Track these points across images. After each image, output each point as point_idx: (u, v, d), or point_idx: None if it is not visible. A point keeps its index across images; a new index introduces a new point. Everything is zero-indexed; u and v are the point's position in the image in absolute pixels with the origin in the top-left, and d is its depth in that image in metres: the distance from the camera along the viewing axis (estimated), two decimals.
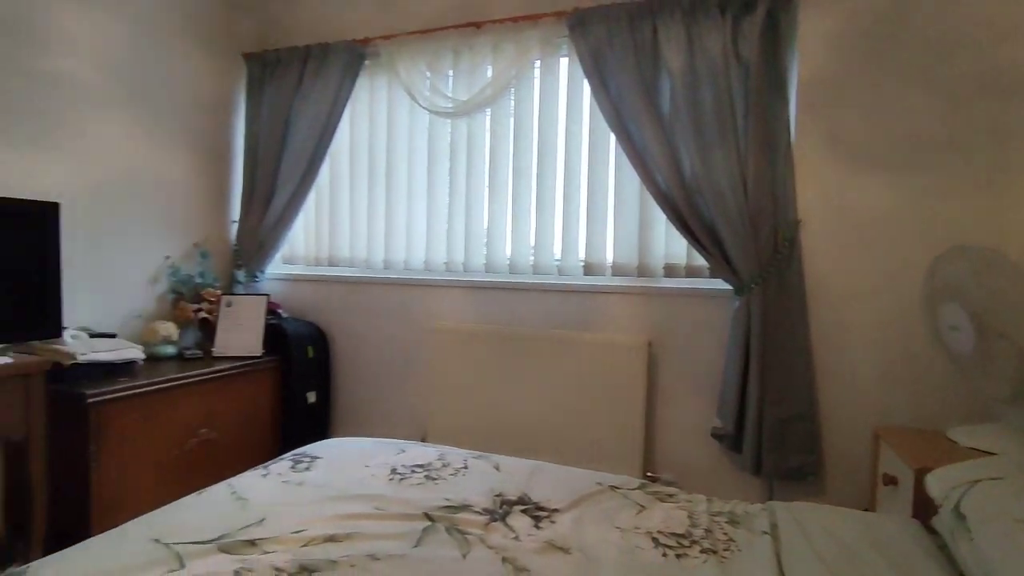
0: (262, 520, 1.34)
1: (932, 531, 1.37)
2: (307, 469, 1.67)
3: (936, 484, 1.40)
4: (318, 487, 1.54)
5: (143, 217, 2.69)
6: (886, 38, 2.11)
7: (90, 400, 2.02)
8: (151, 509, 1.43)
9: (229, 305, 2.82)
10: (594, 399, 2.44)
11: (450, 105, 2.69)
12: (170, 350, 2.61)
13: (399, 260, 2.91)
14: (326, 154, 2.92)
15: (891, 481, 1.83)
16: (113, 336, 2.37)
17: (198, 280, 2.85)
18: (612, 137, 2.41)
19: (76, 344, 2.15)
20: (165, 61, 2.75)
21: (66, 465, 2.03)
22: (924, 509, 1.50)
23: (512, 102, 2.65)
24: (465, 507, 1.45)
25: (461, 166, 2.76)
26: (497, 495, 1.54)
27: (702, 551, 1.29)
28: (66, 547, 1.23)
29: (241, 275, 3.04)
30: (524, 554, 1.25)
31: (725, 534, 1.37)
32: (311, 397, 2.89)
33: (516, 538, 1.33)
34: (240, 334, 2.76)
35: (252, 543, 1.24)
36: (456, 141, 2.78)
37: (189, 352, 2.66)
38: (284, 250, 3.14)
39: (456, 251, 2.79)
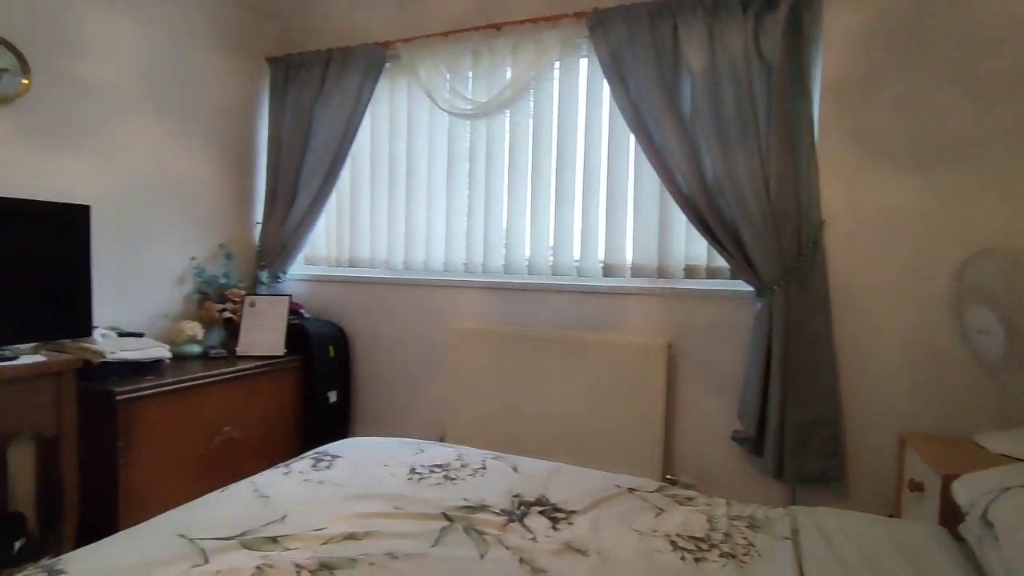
0: (284, 517, 1.36)
1: (959, 539, 1.34)
2: (328, 468, 1.69)
3: (963, 491, 1.37)
4: (338, 486, 1.56)
5: (170, 219, 2.75)
6: (913, 35, 2.06)
7: (119, 397, 2.08)
8: (177, 504, 1.46)
9: (253, 305, 2.87)
10: (613, 401, 2.43)
11: (469, 107, 2.70)
12: (195, 349, 2.66)
13: (419, 261, 2.93)
14: (347, 156, 2.95)
15: (917, 487, 1.80)
16: (141, 335, 2.43)
17: (223, 281, 2.91)
18: (632, 138, 2.40)
19: (106, 343, 2.20)
20: (192, 66, 2.82)
21: (95, 461, 2.09)
22: (951, 516, 1.46)
23: (531, 103, 2.66)
24: (483, 507, 1.46)
25: (480, 167, 2.77)
26: (515, 496, 1.54)
27: (721, 555, 1.28)
28: (96, 540, 1.27)
29: (264, 276, 3.09)
30: (541, 555, 1.25)
31: (745, 539, 1.35)
32: (332, 396, 2.93)
33: (533, 539, 1.33)
34: (263, 334, 2.81)
35: (274, 540, 1.26)
36: (475, 143, 2.79)
37: (214, 351, 2.72)
38: (306, 251, 3.18)
39: (475, 252, 2.80)
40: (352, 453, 1.82)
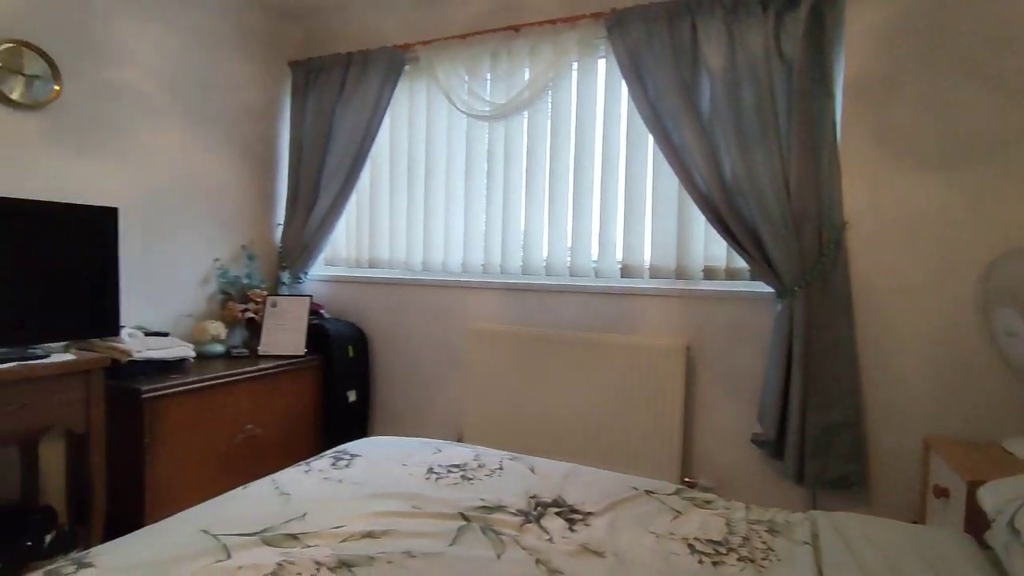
0: (304, 515, 1.38)
1: (985, 547, 1.31)
2: (347, 467, 1.71)
3: (989, 497, 1.34)
4: (357, 484, 1.58)
5: (194, 221, 2.81)
6: (937, 32, 2.03)
7: (145, 396, 2.12)
8: (200, 500, 1.49)
9: (274, 306, 2.91)
10: (631, 402, 2.42)
11: (488, 108, 2.72)
12: (218, 348, 2.71)
13: (437, 262, 2.95)
14: (367, 158, 2.98)
15: (942, 493, 1.76)
16: (166, 335, 2.48)
17: (245, 281, 2.96)
18: (650, 138, 2.39)
19: (132, 342, 2.25)
20: (216, 71, 2.87)
21: (122, 457, 2.14)
22: (977, 523, 1.44)
23: (549, 104, 2.66)
24: (500, 508, 1.46)
25: (498, 169, 2.78)
26: (532, 497, 1.54)
27: (739, 559, 1.27)
28: (123, 534, 1.30)
29: (286, 276, 3.13)
30: (558, 556, 1.25)
31: (764, 543, 1.34)
32: (351, 396, 2.96)
33: (550, 540, 1.33)
34: (284, 334, 2.85)
35: (294, 537, 1.28)
36: (493, 144, 2.80)
37: (236, 351, 2.77)
38: (326, 252, 3.22)
39: (493, 253, 2.81)
40: (371, 452, 1.84)
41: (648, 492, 1.60)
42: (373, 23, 3.04)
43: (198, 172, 2.82)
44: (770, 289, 2.22)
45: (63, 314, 2.07)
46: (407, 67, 2.92)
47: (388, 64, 2.89)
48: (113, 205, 2.22)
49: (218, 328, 2.72)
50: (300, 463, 1.75)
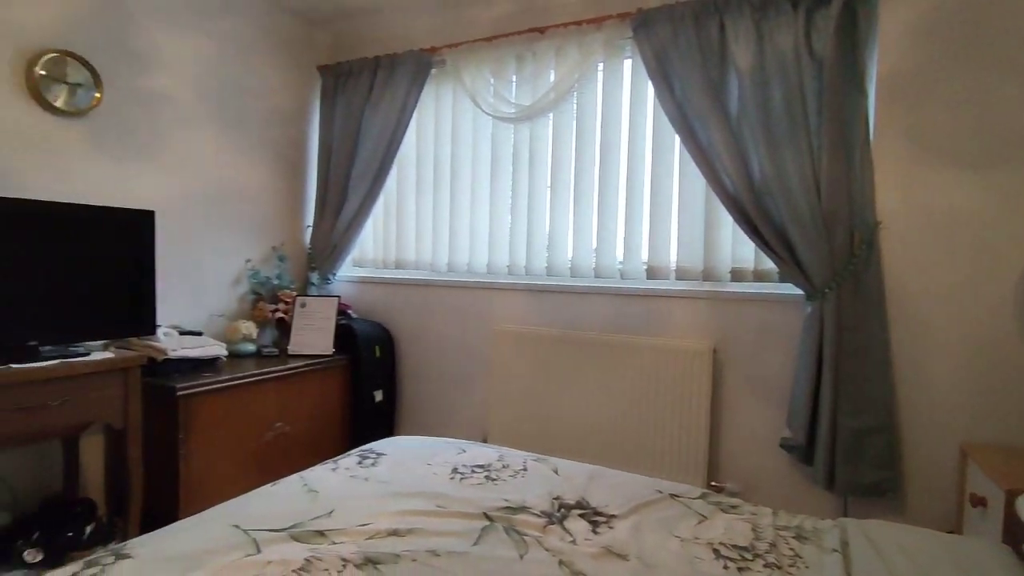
0: (331, 512, 1.41)
1: None
2: (373, 465, 1.74)
3: None
4: (383, 483, 1.60)
5: (227, 223, 2.88)
6: (971, 29, 1.97)
7: (179, 393, 2.19)
8: (231, 495, 1.53)
9: (303, 306, 2.97)
10: (657, 405, 2.41)
11: (513, 110, 2.73)
12: (250, 348, 2.77)
13: (462, 263, 2.97)
14: (394, 161, 3.02)
15: (979, 502, 1.71)
16: (199, 334, 2.55)
17: (275, 282, 3.02)
18: (676, 139, 2.37)
19: (168, 341, 2.32)
20: (249, 77, 2.94)
21: (158, 452, 2.20)
22: (1016, 533, 1.39)
23: (575, 106, 2.66)
24: (523, 508, 1.47)
25: (523, 170, 2.79)
26: (555, 498, 1.54)
27: (765, 565, 1.25)
28: (159, 527, 1.35)
29: (315, 277, 3.19)
30: (581, 558, 1.25)
31: (791, 549, 1.32)
32: (378, 395, 3.00)
33: (573, 542, 1.33)
34: (313, 334, 2.90)
35: (322, 533, 1.31)
36: (519, 146, 2.81)
37: (266, 350, 2.83)
38: (354, 253, 3.27)
39: (518, 254, 2.82)
40: (396, 451, 1.86)
41: (673, 496, 1.59)
42: (400, 27, 3.08)
43: (230, 176, 2.89)
44: (799, 291, 2.18)
45: (103, 313, 2.14)
46: (433, 70, 2.95)
47: (415, 67, 2.92)
48: (150, 208, 2.29)
49: (249, 328, 2.78)
50: (327, 461, 1.78)
